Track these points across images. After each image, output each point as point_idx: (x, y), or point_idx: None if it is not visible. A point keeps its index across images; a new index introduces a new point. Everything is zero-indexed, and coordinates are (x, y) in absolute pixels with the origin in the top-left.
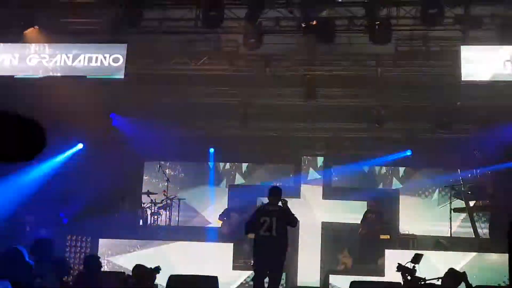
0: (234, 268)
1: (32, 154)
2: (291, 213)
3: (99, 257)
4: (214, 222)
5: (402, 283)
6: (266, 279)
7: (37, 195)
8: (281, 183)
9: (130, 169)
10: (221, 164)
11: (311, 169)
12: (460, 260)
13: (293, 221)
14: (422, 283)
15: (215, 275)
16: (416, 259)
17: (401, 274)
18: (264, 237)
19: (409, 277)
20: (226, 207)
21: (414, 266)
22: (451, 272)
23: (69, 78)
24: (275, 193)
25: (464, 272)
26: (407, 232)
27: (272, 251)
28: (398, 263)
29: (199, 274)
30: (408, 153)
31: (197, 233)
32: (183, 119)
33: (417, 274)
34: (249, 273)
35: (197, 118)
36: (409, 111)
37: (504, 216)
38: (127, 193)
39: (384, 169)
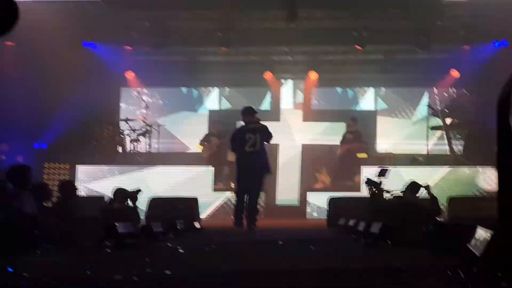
0: (215, 190)
1: (4, 28)
2: (269, 130)
3: (73, 181)
4: (195, 147)
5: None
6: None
7: (11, 123)
8: (261, 107)
9: (108, 96)
10: (201, 89)
11: (291, 93)
12: (434, 175)
13: (271, 137)
14: (387, 195)
15: (195, 196)
16: (382, 173)
17: (369, 188)
18: (250, 153)
19: (375, 190)
20: (207, 132)
21: (380, 180)
22: (412, 184)
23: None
24: (252, 111)
25: (427, 184)
26: (384, 151)
27: (258, 164)
28: (367, 178)
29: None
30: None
31: (177, 158)
32: (161, 44)
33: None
34: (229, 194)
35: (176, 43)
36: (389, 32)
37: (478, 133)
38: (105, 120)
39: (363, 90)
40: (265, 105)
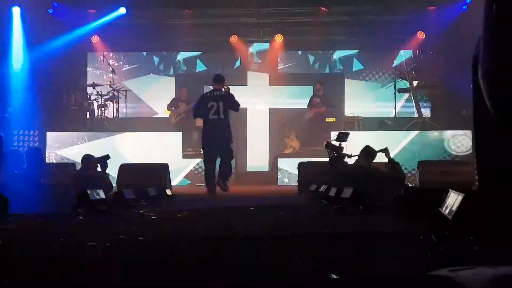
0: (184, 156)
1: None
2: (234, 98)
3: (40, 149)
4: (162, 112)
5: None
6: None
7: None
8: (228, 71)
9: (73, 60)
10: (167, 53)
11: (257, 56)
12: (402, 139)
13: (237, 106)
14: (346, 158)
15: (165, 163)
16: (341, 137)
17: (328, 151)
18: (213, 120)
19: (335, 154)
20: (174, 96)
21: (340, 144)
22: (366, 149)
23: None
24: (219, 79)
25: (385, 148)
26: (352, 115)
27: (221, 132)
28: (326, 141)
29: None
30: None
31: (145, 123)
32: (127, 7)
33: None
34: (199, 160)
35: (141, 6)
36: None
37: (446, 95)
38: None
39: (330, 54)
40: (232, 69)
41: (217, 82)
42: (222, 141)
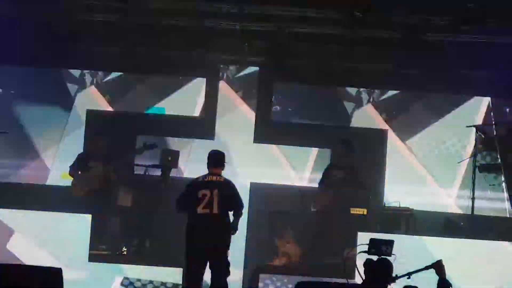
0: (92, 258)
1: None
2: (237, 191)
3: None
4: (59, 177)
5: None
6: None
7: None
8: (181, 111)
9: None
10: (76, 73)
11: (233, 90)
12: (483, 254)
13: (239, 204)
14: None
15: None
16: (378, 246)
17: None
18: (203, 216)
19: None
20: (81, 150)
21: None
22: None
23: None
24: (217, 160)
25: (439, 261)
26: (397, 205)
27: (213, 234)
28: (367, 259)
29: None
30: None
31: (31, 196)
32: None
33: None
34: (125, 268)
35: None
36: None
37: None
38: None
39: (361, 94)
40: (190, 107)
41: (213, 164)
42: (214, 246)
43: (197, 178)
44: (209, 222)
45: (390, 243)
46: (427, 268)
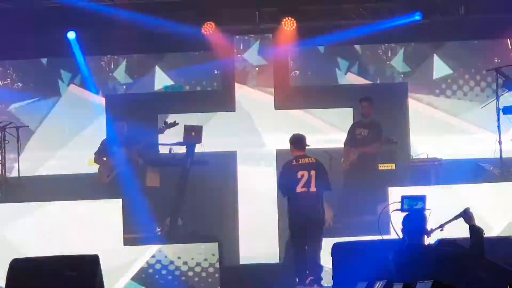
0: (127, 242)
1: None
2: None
3: None
4: (84, 165)
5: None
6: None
7: None
8: (199, 86)
9: None
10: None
11: (251, 59)
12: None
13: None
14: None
15: (94, 253)
16: (412, 202)
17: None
18: (302, 194)
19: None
20: (104, 137)
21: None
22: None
23: None
24: (301, 141)
25: (466, 209)
26: (424, 156)
27: (311, 211)
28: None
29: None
30: (418, 17)
31: (54, 187)
32: None
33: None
34: (154, 250)
35: None
36: None
37: None
38: None
39: (381, 48)
40: (208, 83)
41: (300, 145)
42: (311, 222)
43: (290, 161)
44: (307, 200)
45: (422, 198)
46: (456, 218)
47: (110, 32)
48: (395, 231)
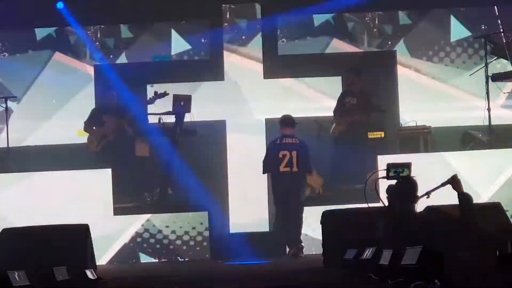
0: (118, 212)
1: None
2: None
3: None
4: (73, 135)
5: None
6: None
7: None
8: (193, 54)
9: None
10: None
11: (239, 24)
12: (504, 165)
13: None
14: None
15: (84, 222)
16: (395, 170)
17: (387, 197)
18: (284, 174)
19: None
20: (93, 106)
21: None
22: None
23: None
24: (291, 123)
25: (453, 176)
26: (414, 124)
27: (293, 190)
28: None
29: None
30: None
31: (44, 156)
32: None
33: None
34: (146, 218)
35: None
36: None
37: None
38: None
39: (368, 16)
40: (196, 52)
41: (289, 126)
42: (292, 199)
43: (274, 140)
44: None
45: (408, 165)
46: (443, 184)
47: (98, 1)
48: (380, 198)
